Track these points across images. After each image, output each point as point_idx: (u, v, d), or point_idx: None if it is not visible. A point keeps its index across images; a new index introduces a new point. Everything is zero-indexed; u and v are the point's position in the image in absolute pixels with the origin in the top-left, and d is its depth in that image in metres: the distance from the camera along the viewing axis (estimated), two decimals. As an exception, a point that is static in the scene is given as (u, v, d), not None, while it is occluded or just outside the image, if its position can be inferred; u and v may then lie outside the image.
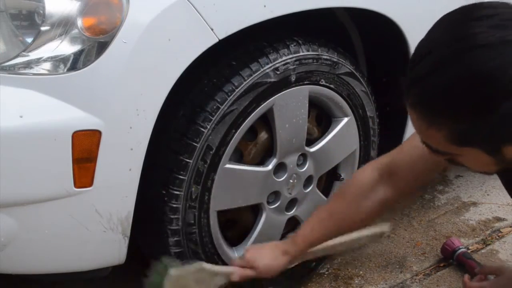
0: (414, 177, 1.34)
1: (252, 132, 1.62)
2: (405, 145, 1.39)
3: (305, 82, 1.62)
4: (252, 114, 1.53)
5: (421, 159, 1.29)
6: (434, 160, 1.24)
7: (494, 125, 0.92)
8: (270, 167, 1.64)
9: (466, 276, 1.69)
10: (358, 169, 1.40)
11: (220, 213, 1.62)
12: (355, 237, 1.53)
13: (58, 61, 1.24)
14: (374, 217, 1.44)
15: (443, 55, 0.92)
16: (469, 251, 2.00)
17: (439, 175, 2.43)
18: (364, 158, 1.90)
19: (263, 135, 1.64)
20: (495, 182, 2.40)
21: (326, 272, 1.93)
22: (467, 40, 0.91)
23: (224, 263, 1.67)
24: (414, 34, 1.67)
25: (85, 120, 1.25)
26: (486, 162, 1.02)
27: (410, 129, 1.84)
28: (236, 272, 1.42)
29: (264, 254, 1.43)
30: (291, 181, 1.71)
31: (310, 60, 1.61)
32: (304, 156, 1.73)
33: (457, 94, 0.92)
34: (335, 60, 1.67)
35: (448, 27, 0.96)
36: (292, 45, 1.58)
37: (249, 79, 1.50)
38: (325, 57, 1.64)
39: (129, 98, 1.29)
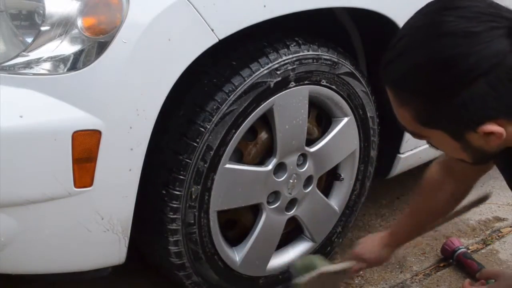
0: (470, 171, 1.38)
1: (252, 132, 1.62)
2: None
3: (305, 82, 1.62)
4: (252, 114, 1.53)
5: None
6: None
7: (454, 110, 0.96)
8: (270, 167, 1.64)
9: (467, 282, 1.69)
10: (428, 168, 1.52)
11: (220, 213, 1.62)
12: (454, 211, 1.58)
13: (58, 61, 1.24)
14: (449, 209, 1.53)
15: (413, 39, 0.98)
16: (469, 251, 2.00)
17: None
18: (364, 158, 1.90)
19: (263, 135, 1.64)
20: (495, 182, 2.40)
21: (326, 272, 1.92)
22: (436, 27, 0.95)
23: (224, 263, 1.67)
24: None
25: (85, 120, 1.25)
26: (454, 147, 1.04)
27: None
28: (352, 267, 1.61)
29: (371, 248, 1.60)
30: (291, 181, 1.71)
31: (310, 60, 1.61)
32: (304, 156, 1.73)
33: (420, 76, 0.96)
34: (335, 60, 1.67)
35: (424, 14, 1.00)
36: (292, 45, 1.58)
37: (249, 79, 1.50)
38: (325, 57, 1.64)
39: (129, 98, 1.29)
